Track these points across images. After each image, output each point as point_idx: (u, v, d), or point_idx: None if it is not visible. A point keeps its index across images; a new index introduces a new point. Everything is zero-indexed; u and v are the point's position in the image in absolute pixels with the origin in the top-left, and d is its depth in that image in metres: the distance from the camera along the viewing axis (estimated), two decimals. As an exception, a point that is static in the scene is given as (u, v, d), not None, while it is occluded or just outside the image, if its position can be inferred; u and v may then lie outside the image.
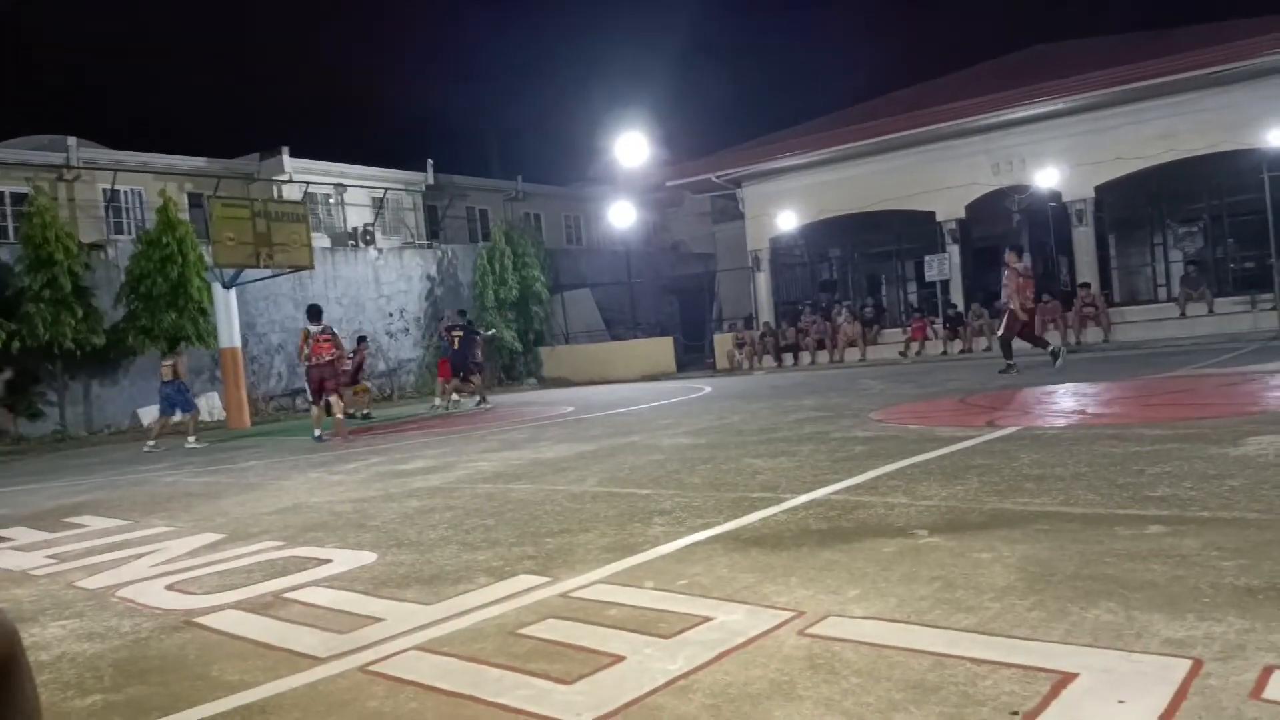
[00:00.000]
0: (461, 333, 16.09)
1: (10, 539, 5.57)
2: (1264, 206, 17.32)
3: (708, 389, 15.45)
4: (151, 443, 12.84)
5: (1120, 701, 1.87)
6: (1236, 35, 17.14)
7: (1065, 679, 2.01)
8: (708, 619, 2.67)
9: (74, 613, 3.54)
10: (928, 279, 22.32)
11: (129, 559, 4.58)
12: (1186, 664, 2.02)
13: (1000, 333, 12.80)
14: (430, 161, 27.19)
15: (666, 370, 22.86)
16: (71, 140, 21.40)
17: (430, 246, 25.59)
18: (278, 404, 20.54)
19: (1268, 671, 1.94)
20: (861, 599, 2.74)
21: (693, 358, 25.62)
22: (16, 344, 16.23)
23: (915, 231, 22.51)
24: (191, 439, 12.85)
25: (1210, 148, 17.92)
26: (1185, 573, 2.69)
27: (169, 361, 13.14)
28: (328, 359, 11.63)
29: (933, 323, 20.79)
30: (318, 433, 11.54)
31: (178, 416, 13.17)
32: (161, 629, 3.19)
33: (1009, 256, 12.58)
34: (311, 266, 18.86)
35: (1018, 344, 12.59)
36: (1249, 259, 19.93)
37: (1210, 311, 18.00)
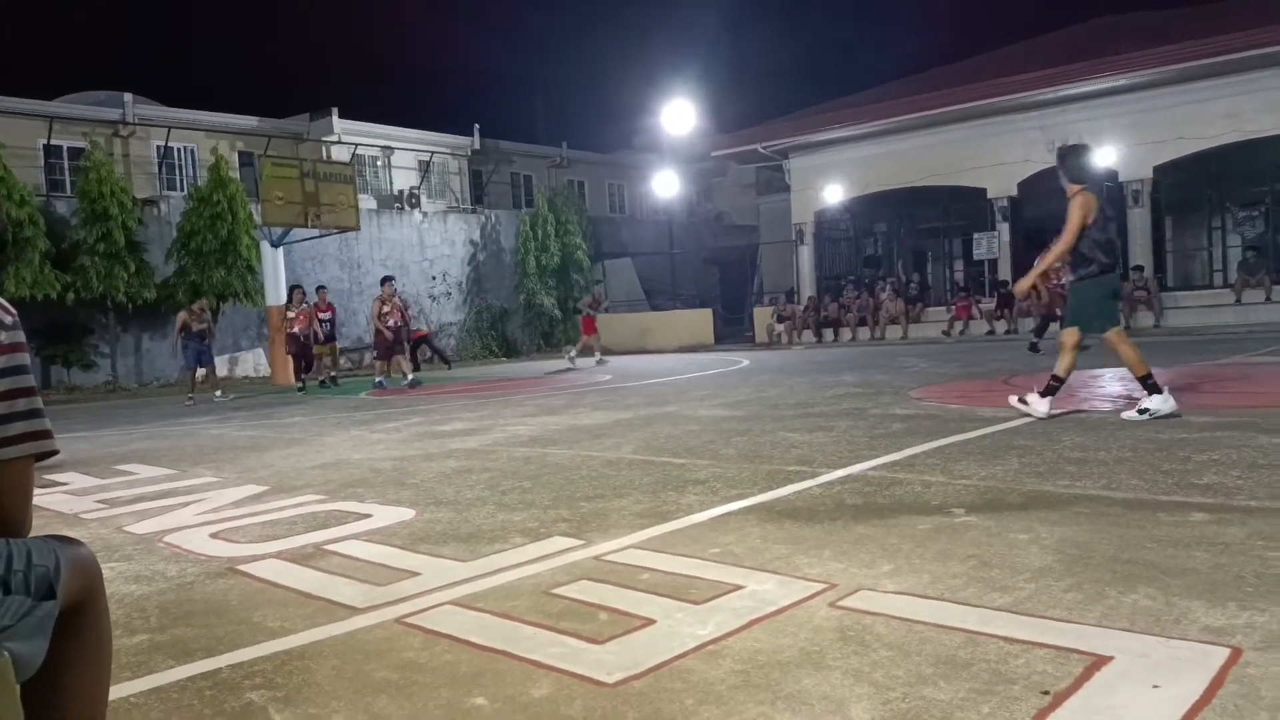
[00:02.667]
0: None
1: (63, 483, 5.76)
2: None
3: (745, 362, 15.40)
4: (192, 397, 13.17)
5: (1155, 686, 1.85)
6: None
7: (1099, 661, 1.99)
8: (739, 587, 2.69)
9: (122, 556, 3.66)
10: (975, 257, 21.95)
11: (176, 507, 4.71)
12: (1225, 652, 1.99)
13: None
14: (476, 126, 27.26)
15: (705, 342, 22.81)
16: (128, 97, 21.77)
17: (474, 211, 25.71)
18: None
19: (1310, 663, 1.90)
20: (894, 574, 2.73)
21: (731, 330, 25.52)
22: (71, 296, 16.66)
23: (964, 208, 22.09)
24: (218, 393, 13.32)
25: (1277, 128, 17.30)
26: (1228, 561, 2.64)
27: (186, 314, 13.52)
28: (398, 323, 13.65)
29: (978, 302, 20.45)
30: (407, 377, 13.38)
31: (202, 371, 13.57)
32: (206, 575, 3.28)
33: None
34: (357, 228, 19.08)
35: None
36: (1313, 246, 19.29)
37: (1268, 299, 17.47)
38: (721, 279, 30.50)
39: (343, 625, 2.59)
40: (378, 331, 13.75)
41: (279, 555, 3.49)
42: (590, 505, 4.02)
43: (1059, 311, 12.53)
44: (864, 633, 2.26)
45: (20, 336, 1.39)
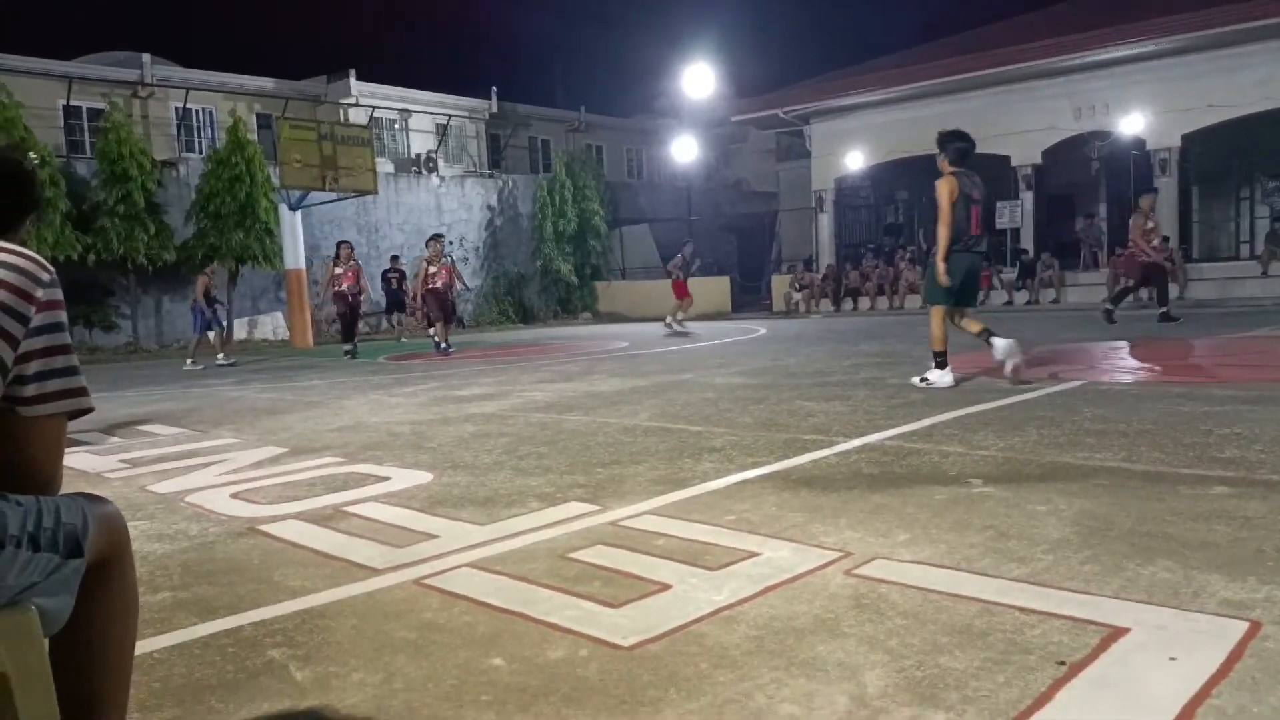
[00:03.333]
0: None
1: (87, 443, 5.84)
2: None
3: (763, 330, 15.35)
4: (190, 361, 13.07)
5: (1172, 658, 1.85)
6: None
7: (1116, 633, 1.98)
8: (754, 554, 2.69)
9: (145, 515, 3.71)
10: (998, 226, 21.66)
11: (197, 467, 4.76)
12: (1244, 625, 1.98)
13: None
14: (494, 89, 27.06)
15: (722, 310, 22.75)
16: (146, 57, 21.74)
17: (492, 176, 25.61)
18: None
19: (1330, 638, 1.89)
20: (911, 544, 2.73)
21: (749, 299, 25.42)
22: (92, 257, 16.77)
23: (987, 176, 21.48)
24: (220, 356, 13.25)
25: (1311, 98, 16.92)
26: (1249, 535, 2.62)
27: (205, 278, 13.24)
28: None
29: (999, 271, 20.24)
30: (445, 344, 12.91)
31: (212, 334, 13.42)
32: (227, 534, 3.33)
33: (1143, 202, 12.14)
34: (375, 191, 19.06)
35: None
36: (1342, 218, 18.93)
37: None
38: (739, 246, 30.32)
39: (362, 586, 2.63)
40: (429, 292, 12.93)
41: (299, 516, 3.53)
42: (606, 471, 4.04)
43: (1128, 282, 12.32)
44: (879, 601, 2.27)
45: (58, 294, 1.40)
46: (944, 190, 6.32)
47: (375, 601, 2.49)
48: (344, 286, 13.70)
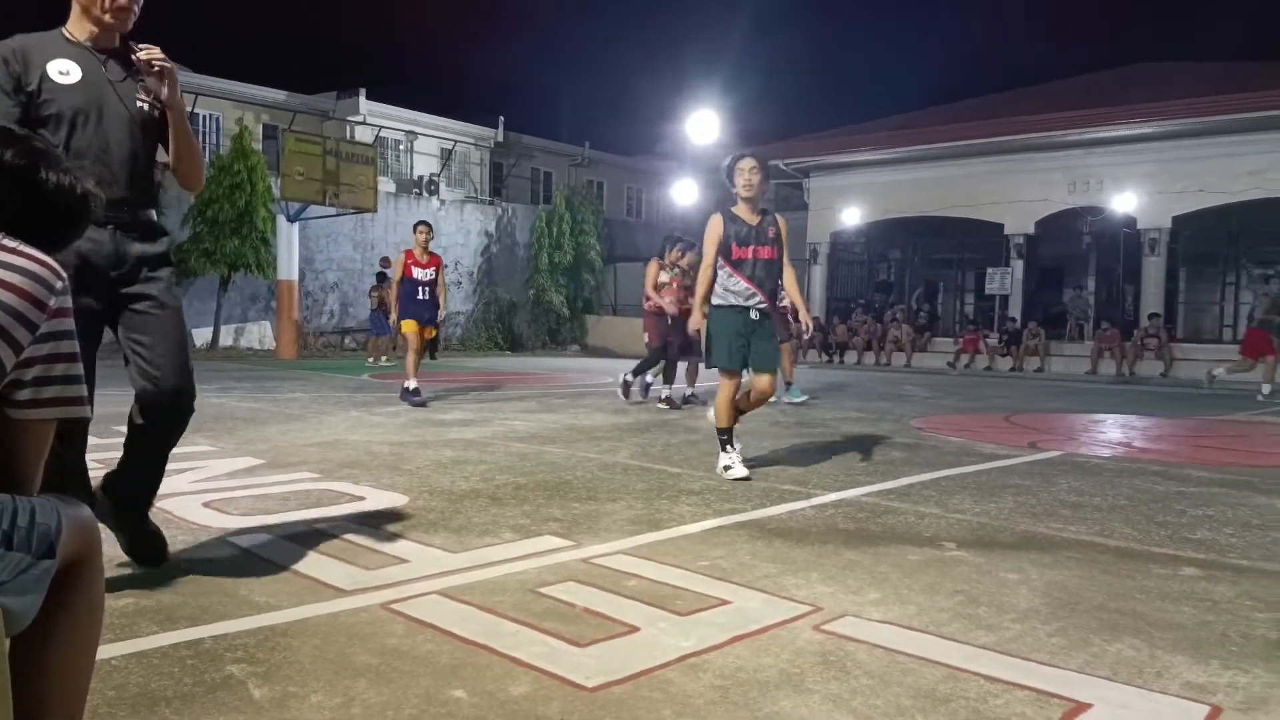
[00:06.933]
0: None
1: (62, 439, 5.77)
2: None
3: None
4: None
5: (1132, 738, 1.85)
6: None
7: (1079, 708, 1.99)
8: (725, 602, 2.69)
9: (116, 517, 3.66)
10: (987, 291, 21.95)
11: (171, 473, 4.69)
12: (1205, 709, 1.99)
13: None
14: (501, 119, 27.31)
15: (711, 353, 22.79)
16: (157, 59, 21.82)
17: (492, 203, 25.74)
18: (327, 340, 20.91)
19: (1289, 729, 1.90)
20: (881, 603, 2.73)
21: (739, 343, 25.48)
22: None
23: (980, 242, 22.10)
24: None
25: (1300, 190, 17.28)
26: (1215, 619, 2.64)
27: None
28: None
29: (986, 336, 20.43)
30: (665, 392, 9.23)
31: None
32: (196, 543, 3.29)
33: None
34: (374, 209, 19.11)
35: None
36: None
37: (1277, 359, 17.41)
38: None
39: (328, 605, 2.60)
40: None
41: (270, 530, 3.50)
42: (582, 507, 4.03)
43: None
44: (846, 659, 2.26)
45: (68, 302, 1.41)
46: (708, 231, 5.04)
47: (339, 623, 2.47)
48: (665, 301, 9.74)
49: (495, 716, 1.91)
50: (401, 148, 25.28)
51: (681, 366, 9.61)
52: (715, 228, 5.03)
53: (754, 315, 4.99)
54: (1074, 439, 7.34)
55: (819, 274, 23.78)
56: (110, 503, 2.87)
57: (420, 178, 24.65)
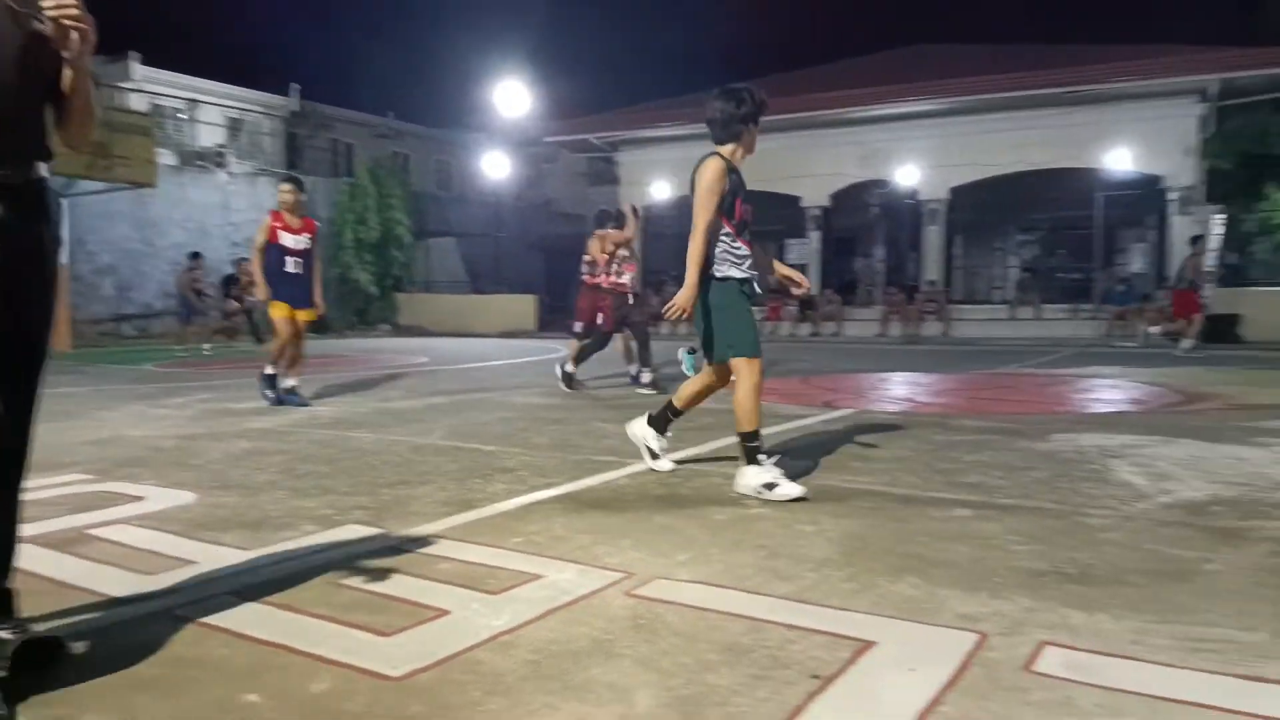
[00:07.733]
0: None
1: None
2: (1092, 224, 18.78)
3: (565, 350, 15.41)
4: None
5: (911, 670, 2.01)
6: (1088, 60, 18.41)
7: (866, 647, 2.13)
8: (538, 577, 2.68)
9: None
10: (787, 261, 23.02)
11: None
12: (974, 637, 2.19)
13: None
14: (297, 87, 25.74)
15: (527, 328, 22.69)
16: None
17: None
18: (103, 329, 19.09)
19: (1041, 646, 2.13)
20: (689, 564, 2.82)
21: (556, 318, 25.48)
22: None
23: (779, 214, 23.08)
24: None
25: (1053, 163, 19.25)
26: (984, 554, 2.91)
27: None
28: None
29: (786, 304, 21.47)
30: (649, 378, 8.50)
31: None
32: (-58, 561, 2.92)
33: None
34: (154, 184, 17.55)
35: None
36: (1076, 271, 21.62)
37: (1038, 316, 19.41)
38: (548, 266, 30.39)
39: (104, 617, 2.38)
40: None
41: (35, 540, 3.14)
42: (391, 492, 3.90)
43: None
44: (655, 621, 2.32)
45: None
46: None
47: (118, 635, 2.27)
48: (625, 278, 8.86)
49: (294, 717, 1.82)
50: (182, 116, 23.34)
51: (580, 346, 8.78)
52: (718, 175, 3.93)
53: (758, 290, 4.07)
54: (864, 397, 7.87)
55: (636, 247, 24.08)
56: None
57: (205, 149, 22.87)
